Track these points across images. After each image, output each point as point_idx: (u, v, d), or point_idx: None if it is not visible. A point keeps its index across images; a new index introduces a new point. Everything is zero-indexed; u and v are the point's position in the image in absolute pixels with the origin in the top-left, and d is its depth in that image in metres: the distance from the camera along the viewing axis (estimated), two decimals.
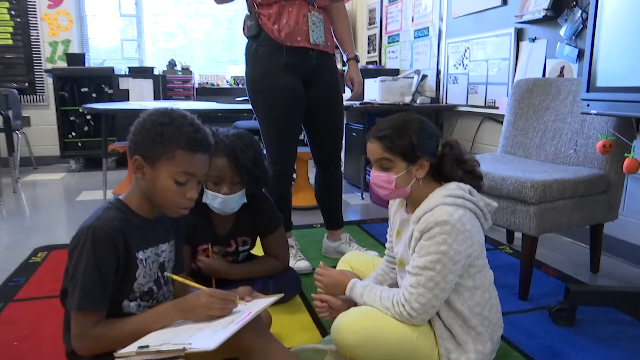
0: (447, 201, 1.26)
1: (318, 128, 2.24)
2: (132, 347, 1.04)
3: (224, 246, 1.76)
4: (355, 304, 1.39)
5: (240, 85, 5.49)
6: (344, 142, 4.33)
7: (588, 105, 1.84)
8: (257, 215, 1.77)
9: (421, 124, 1.32)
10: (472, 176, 1.36)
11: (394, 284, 1.50)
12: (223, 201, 1.61)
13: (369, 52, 5.19)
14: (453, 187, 1.30)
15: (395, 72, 4.37)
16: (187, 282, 1.23)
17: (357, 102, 3.80)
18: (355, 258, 1.71)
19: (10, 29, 4.92)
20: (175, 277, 1.23)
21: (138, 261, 1.15)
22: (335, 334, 1.31)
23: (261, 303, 1.25)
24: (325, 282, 1.47)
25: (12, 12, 4.90)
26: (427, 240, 1.24)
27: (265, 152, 2.08)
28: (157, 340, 1.06)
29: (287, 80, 2.07)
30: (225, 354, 1.20)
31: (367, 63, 5.14)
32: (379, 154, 1.31)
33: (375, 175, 1.34)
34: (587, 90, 1.83)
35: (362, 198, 3.70)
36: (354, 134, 4.04)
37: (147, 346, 1.03)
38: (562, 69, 2.67)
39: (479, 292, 1.32)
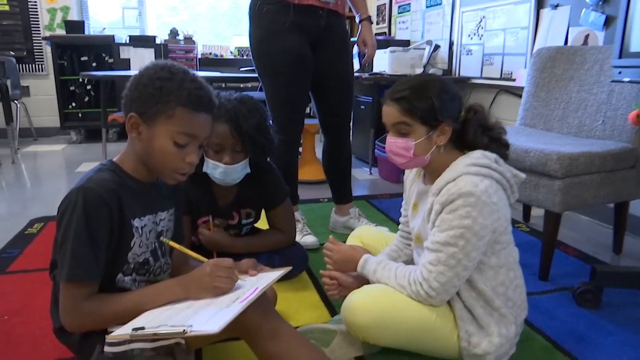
0: (471, 170, 1.14)
1: (327, 94, 2.10)
2: (126, 329, 0.93)
3: (225, 219, 1.65)
4: (367, 282, 1.28)
5: (245, 57, 5.32)
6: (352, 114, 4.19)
7: (620, 72, 1.69)
8: (261, 187, 1.66)
9: (443, 85, 1.19)
10: (498, 144, 1.24)
11: (409, 262, 1.40)
12: (224, 171, 1.50)
13: (377, 23, 5.00)
14: (478, 156, 1.18)
15: (405, 44, 4.20)
16: (185, 250, 1.13)
17: (366, 73, 3.65)
18: (367, 233, 1.60)
19: None
20: (172, 243, 1.12)
21: (134, 229, 1.04)
22: (346, 314, 1.21)
23: (268, 277, 1.14)
24: (335, 257, 1.36)
25: None
26: (449, 214, 1.13)
27: (271, 121, 1.97)
28: (153, 321, 0.95)
29: (293, 42, 1.92)
30: (227, 334, 1.10)
31: (376, 34, 4.95)
32: (397, 118, 1.19)
33: (392, 142, 1.22)
34: (620, 57, 1.69)
35: (371, 173, 3.58)
36: (362, 107, 3.89)
37: (142, 328, 0.93)
38: (587, 37, 2.51)
39: (503, 270, 1.21)
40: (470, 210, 1.10)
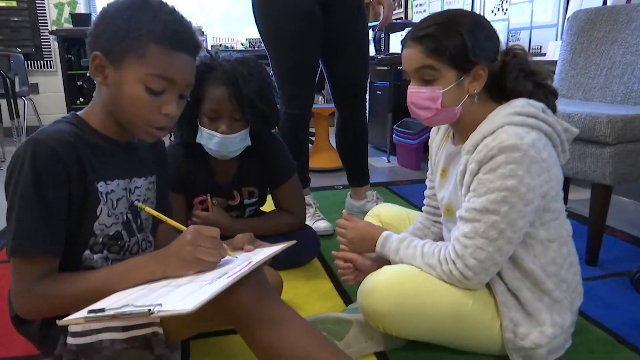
0: (515, 120, 0.93)
1: (339, 60, 1.87)
2: (81, 312, 0.74)
3: (225, 198, 1.46)
4: (388, 263, 1.07)
5: (257, 47, 5.14)
6: (367, 102, 3.98)
7: None
8: (264, 161, 1.46)
9: (476, 19, 0.98)
10: (545, 91, 1.01)
11: (439, 240, 1.18)
12: (220, 142, 1.30)
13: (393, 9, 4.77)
14: (521, 104, 0.96)
15: None
16: (163, 217, 0.92)
17: (382, 55, 3.44)
18: (386, 211, 1.38)
19: None
20: (147, 208, 0.92)
21: (99, 193, 0.85)
22: (363, 299, 1.00)
23: (265, 252, 0.94)
24: (350, 236, 1.15)
25: None
26: (489, 173, 0.91)
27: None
28: (119, 302, 0.75)
29: (300, 1, 1.71)
30: (215, 322, 0.91)
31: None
32: (419, 61, 0.97)
33: (415, 92, 1.00)
34: None
35: (389, 161, 3.36)
36: (379, 93, 3.67)
37: (102, 310, 0.73)
38: None
39: (555, 245, 0.99)
40: (515, 168, 0.89)
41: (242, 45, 5.39)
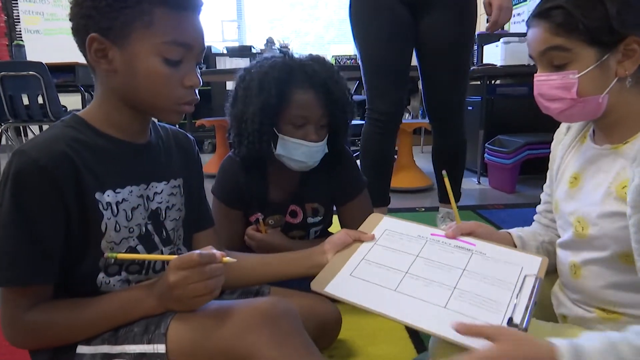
0: None
1: (428, 74, 1.70)
2: None
3: (283, 215, 1.31)
4: None
5: (343, 63, 5.06)
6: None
7: None
8: (332, 175, 1.29)
9: None
10: None
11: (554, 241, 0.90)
12: (308, 151, 1.15)
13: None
14: None
15: (521, 37, 3.63)
16: (143, 257, 0.78)
17: (474, 66, 3.16)
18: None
19: None
20: (120, 255, 0.72)
21: (102, 206, 0.73)
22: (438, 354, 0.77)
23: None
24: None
25: None
26: None
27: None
28: None
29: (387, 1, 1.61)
30: None
31: None
32: (546, 41, 0.75)
33: (542, 81, 0.78)
34: None
35: (479, 183, 3.05)
36: (470, 108, 3.38)
37: None
38: None
39: None
40: None
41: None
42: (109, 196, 0.73)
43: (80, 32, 0.70)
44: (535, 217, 1.01)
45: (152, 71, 0.70)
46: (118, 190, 0.75)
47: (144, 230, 0.79)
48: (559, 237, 0.87)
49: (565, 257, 0.83)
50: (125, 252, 0.76)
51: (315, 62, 1.18)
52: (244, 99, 1.14)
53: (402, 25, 1.63)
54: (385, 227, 0.92)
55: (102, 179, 0.73)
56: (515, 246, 0.90)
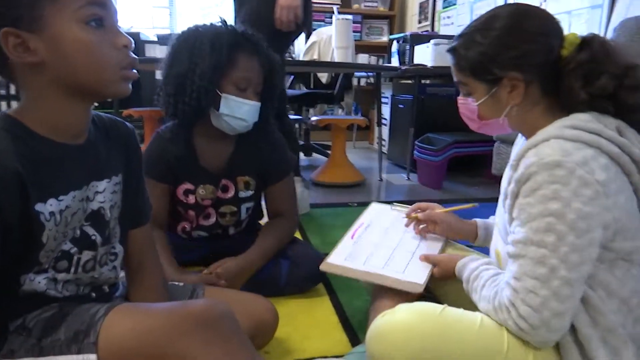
0: (565, 134, 0.76)
1: None
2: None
3: (215, 188, 1.30)
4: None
5: None
6: (388, 115, 3.81)
7: None
8: (265, 149, 1.33)
9: (514, 20, 0.83)
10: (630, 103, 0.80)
11: None
12: (250, 110, 1.21)
13: (419, 22, 4.63)
14: (585, 118, 0.78)
15: (450, 39, 3.80)
16: None
17: (405, 66, 3.26)
18: None
19: None
20: None
21: (43, 217, 0.67)
22: (374, 347, 0.81)
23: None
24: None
25: None
26: (529, 196, 0.74)
27: None
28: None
29: None
30: None
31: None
32: (454, 75, 0.91)
33: (460, 102, 0.94)
34: None
35: (408, 179, 3.16)
36: (401, 106, 3.49)
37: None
38: None
39: (616, 301, 0.78)
40: (558, 189, 0.71)
41: None
42: (52, 205, 0.67)
43: None
44: None
45: (81, 42, 0.65)
46: (61, 197, 0.69)
47: (78, 233, 0.73)
48: None
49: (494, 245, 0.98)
50: (59, 256, 0.71)
51: (256, 34, 1.24)
52: (190, 57, 1.15)
53: None
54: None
55: (44, 188, 0.67)
56: (477, 236, 1.11)
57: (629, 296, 0.78)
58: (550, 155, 0.72)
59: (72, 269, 0.74)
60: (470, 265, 0.90)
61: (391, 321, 0.80)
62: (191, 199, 1.28)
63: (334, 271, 1.05)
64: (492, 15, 0.85)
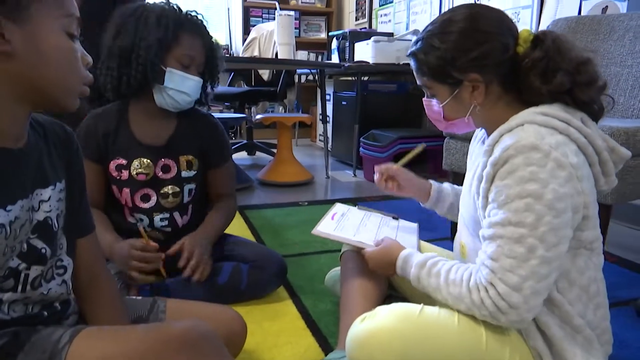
0: (537, 119, 0.78)
1: None
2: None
3: (152, 161, 1.25)
4: None
5: None
6: (330, 113, 3.82)
7: None
8: (205, 129, 1.33)
9: (468, 24, 0.84)
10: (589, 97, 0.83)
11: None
12: (194, 85, 1.22)
13: (357, 19, 4.67)
14: (555, 107, 0.80)
15: (389, 36, 3.85)
16: None
17: (347, 62, 3.28)
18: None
19: None
20: None
21: None
22: (356, 353, 0.79)
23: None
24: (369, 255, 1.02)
25: None
26: (506, 178, 0.76)
27: None
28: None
29: None
30: None
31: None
32: (417, 78, 0.93)
33: (425, 104, 0.96)
34: None
35: (355, 175, 3.18)
36: (344, 103, 3.51)
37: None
38: (605, 9, 2.19)
39: (583, 280, 0.82)
40: (536, 171, 0.73)
41: None
42: (0, 217, 0.60)
43: None
44: None
45: (63, 47, 0.63)
46: (9, 207, 0.61)
47: (25, 247, 0.65)
48: None
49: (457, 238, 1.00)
50: (6, 274, 0.62)
51: (199, 19, 1.26)
52: (135, 31, 1.15)
53: None
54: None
55: None
56: (429, 196, 1.16)
57: (587, 284, 0.81)
58: (526, 139, 0.74)
59: (20, 287, 0.66)
60: (411, 261, 0.90)
61: (372, 326, 0.78)
62: (125, 174, 1.23)
63: (327, 232, 1.09)
64: (448, 19, 0.86)
